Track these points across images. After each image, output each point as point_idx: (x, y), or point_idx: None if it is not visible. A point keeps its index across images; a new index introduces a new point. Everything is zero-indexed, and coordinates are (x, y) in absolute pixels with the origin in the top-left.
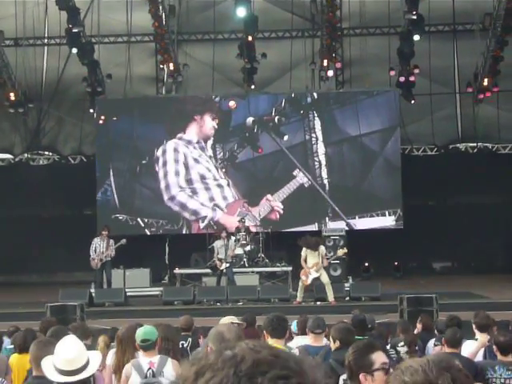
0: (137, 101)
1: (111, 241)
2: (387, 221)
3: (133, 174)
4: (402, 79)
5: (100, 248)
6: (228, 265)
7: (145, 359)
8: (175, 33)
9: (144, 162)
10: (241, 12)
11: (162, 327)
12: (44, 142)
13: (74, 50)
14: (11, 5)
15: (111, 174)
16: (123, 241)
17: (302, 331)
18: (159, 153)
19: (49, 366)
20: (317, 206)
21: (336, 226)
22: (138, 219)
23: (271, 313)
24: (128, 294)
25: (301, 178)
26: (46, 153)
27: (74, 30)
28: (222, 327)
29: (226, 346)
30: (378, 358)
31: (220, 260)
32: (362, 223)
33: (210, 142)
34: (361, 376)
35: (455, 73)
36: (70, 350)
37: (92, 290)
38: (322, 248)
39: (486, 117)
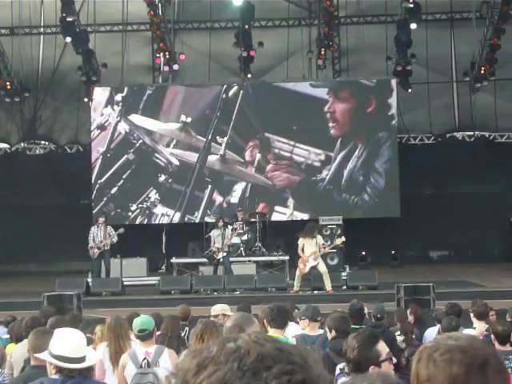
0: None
1: (109, 228)
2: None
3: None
4: (399, 68)
5: (98, 237)
6: (225, 254)
7: (141, 349)
8: (171, 21)
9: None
10: (237, 1)
11: (167, 318)
12: (40, 132)
13: (68, 39)
14: None
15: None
16: (121, 230)
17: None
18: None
19: (51, 354)
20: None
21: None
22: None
23: (272, 302)
24: (125, 283)
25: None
26: (43, 142)
27: (68, 19)
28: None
29: (229, 338)
30: (383, 348)
31: (217, 249)
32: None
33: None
34: (370, 369)
35: (452, 61)
36: (74, 338)
37: (89, 280)
38: (320, 237)
39: (483, 105)
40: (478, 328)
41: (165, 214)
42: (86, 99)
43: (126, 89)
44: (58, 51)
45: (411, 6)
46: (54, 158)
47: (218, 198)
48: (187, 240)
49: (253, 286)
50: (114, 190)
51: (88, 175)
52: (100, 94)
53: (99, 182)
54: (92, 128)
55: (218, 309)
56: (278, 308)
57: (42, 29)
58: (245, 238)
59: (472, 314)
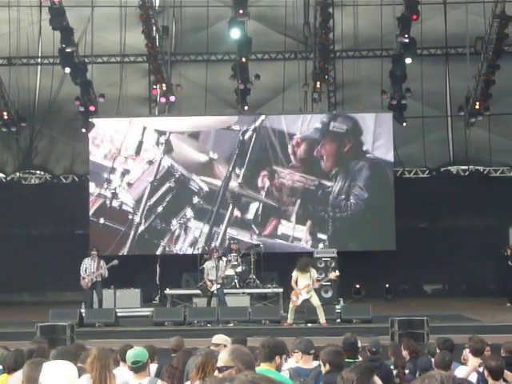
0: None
1: (102, 261)
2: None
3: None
4: (393, 102)
5: (90, 268)
6: (219, 286)
7: (134, 381)
8: (168, 53)
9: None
10: (235, 33)
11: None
12: (36, 161)
13: (67, 70)
14: (5, 24)
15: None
16: (115, 261)
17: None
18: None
19: None
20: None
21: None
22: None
23: (266, 336)
24: (118, 314)
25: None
26: (38, 172)
27: (67, 50)
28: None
29: (225, 377)
30: (377, 381)
31: (211, 281)
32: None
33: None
34: None
35: (447, 96)
36: (66, 369)
37: (82, 310)
38: (314, 271)
39: (477, 140)
40: (472, 363)
41: (197, 227)
42: (83, 130)
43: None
44: (55, 81)
45: (406, 40)
46: (50, 188)
47: (237, 213)
48: (181, 271)
49: (247, 318)
50: (159, 209)
51: (83, 205)
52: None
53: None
54: (91, 158)
55: (221, 338)
56: (268, 343)
57: (39, 59)
58: (239, 269)
59: (468, 350)
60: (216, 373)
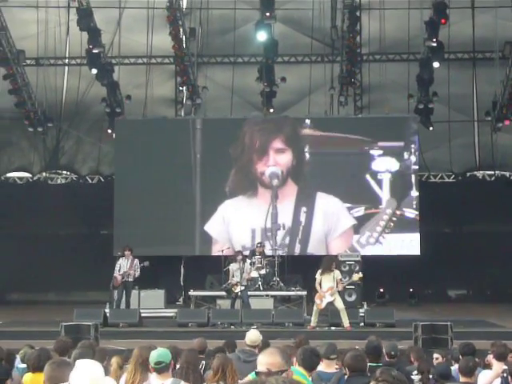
0: (155, 122)
1: (136, 260)
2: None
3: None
4: (420, 106)
5: (124, 267)
6: (243, 288)
7: (157, 382)
8: (195, 55)
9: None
10: (261, 36)
11: (186, 352)
12: (62, 162)
13: (94, 71)
14: (33, 24)
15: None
16: (146, 263)
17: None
18: None
19: None
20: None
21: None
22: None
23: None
24: (142, 314)
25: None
26: (64, 172)
27: (94, 51)
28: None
29: (257, 381)
30: None
31: (235, 283)
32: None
33: None
34: None
35: (474, 101)
36: (93, 369)
37: (107, 310)
38: (337, 272)
39: (504, 145)
40: (495, 369)
41: None
42: (109, 130)
43: None
44: (82, 82)
45: (434, 44)
46: (76, 189)
47: None
48: (205, 273)
49: (270, 320)
50: None
51: (108, 206)
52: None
53: None
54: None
55: (257, 336)
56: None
57: (66, 60)
58: (263, 272)
59: (492, 355)
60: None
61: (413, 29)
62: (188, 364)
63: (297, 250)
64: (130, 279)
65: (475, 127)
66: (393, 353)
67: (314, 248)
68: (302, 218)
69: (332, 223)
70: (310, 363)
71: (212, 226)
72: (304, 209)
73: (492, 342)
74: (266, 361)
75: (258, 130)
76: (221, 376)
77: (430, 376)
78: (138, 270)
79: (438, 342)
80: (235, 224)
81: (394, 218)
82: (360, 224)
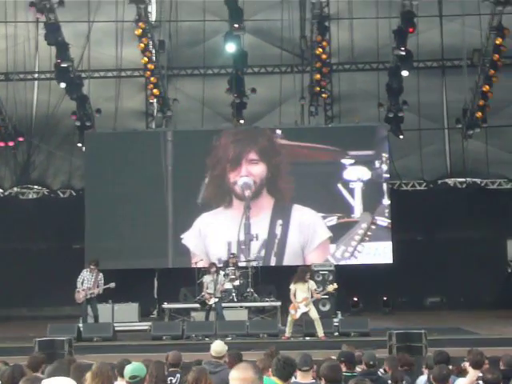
0: (126, 135)
1: (100, 275)
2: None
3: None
4: (390, 114)
5: (87, 282)
6: (217, 300)
7: None
8: (165, 67)
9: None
10: (230, 48)
11: (152, 364)
12: (33, 176)
13: (63, 85)
14: (2, 39)
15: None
16: (112, 284)
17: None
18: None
19: None
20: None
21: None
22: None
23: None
24: (116, 328)
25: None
26: (36, 187)
27: (62, 65)
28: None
29: None
30: None
31: (209, 295)
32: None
33: None
34: None
35: (444, 108)
36: (66, 382)
37: (80, 325)
38: (312, 283)
39: (474, 152)
40: (471, 376)
41: None
42: (79, 144)
43: None
44: (52, 96)
45: (403, 53)
46: (47, 203)
47: None
48: (179, 285)
49: (245, 331)
50: None
51: (80, 220)
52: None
53: None
54: None
55: (221, 346)
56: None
57: (36, 74)
58: (237, 283)
59: (468, 363)
60: None
61: (382, 38)
62: (156, 378)
63: (272, 263)
64: (93, 296)
65: (446, 135)
66: (371, 362)
67: (290, 260)
68: (278, 230)
69: (308, 235)
70: (284, 373)
71: (189, 239)
72: (280, 221)
73: (469, 350)
74: (238, 376)
75: (234, 141)
76: None
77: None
78: (102, 287)
79: (412, 350)
80: (211, 237)
81: (369, 233)
82: (334, 234)
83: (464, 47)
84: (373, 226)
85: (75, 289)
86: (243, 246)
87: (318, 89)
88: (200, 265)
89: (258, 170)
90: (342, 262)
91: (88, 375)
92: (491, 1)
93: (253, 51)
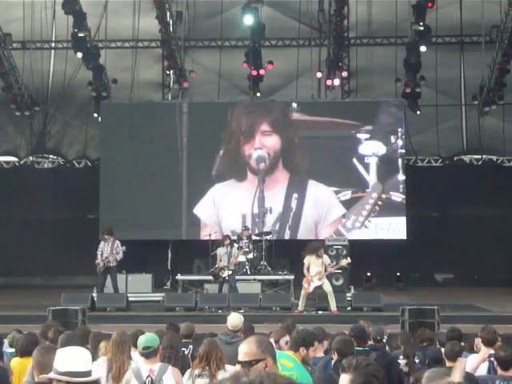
0: (142, 106)
1: (116, 242)
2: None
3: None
4: (407, 90)
5: (106, 252)
6: (230, 272)
7: (145, 366)
8: (182, 39)
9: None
10: (248, 20)
11: (166, 335)
12: (49, 146)
13: (80, 55)
14: (19, 8)
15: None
16: (122, 248)
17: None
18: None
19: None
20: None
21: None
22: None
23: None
24: (130, 299)
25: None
26: (51, 156)
27: (79, 35)
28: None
29: (241, 372)
30: None
31: (223, 267)
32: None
33: None
34: None
35: (461, 85)
36: (79, 353)
37: (94, 295)
38: (326, 257)
39: (491, 129)
40: (482, 353)
41: None
42: (95, 114)
43: None
44: (68, 66)
45: (421, 28)
46: (62, 173)
47: None
48: (193, 257)
49: (257, 304)
50: None
51: (95, 190)
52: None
53: None
54: None
55: (238, 318)
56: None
57: (53, 43)
58: (250, 256)
59: (480, 340)
60: (238, 367)
61: (400, 12)
62: (170, 348)
63: (286, 236)
64: (111, 264)
65: (463, 111)
66: (379, 337)
67: (304, 234)
68: (293, 204)
69: (322, 212)
70: (294, 345)
71: (202, 210)
72: (295, 195)
73: (482, 327)
74: (242, 350)
75: (246, 113)
76: (206, 362)
77: (417, 360)
78: (121, 252)
79: (424, 326)
80: (225, 208)
81: (380, 203)
82: (347, 208)
83: (483, 23)
84: (384, 197)
85: (90, 260)
86: (257, 219)
87: (335, 63)
88: (214, 237)
89: (272, 141)
90: (354, 233)
91: (103, 344)
92: None
93: (270, 24)
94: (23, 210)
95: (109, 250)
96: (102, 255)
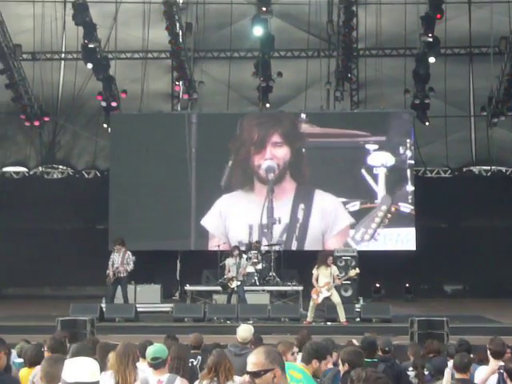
0: (151, 116)
1: (128, 253)
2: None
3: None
4: (416, 101)
5: (116, 263)
6: (239, 283)
7: (154, 377)
8: (191, 50)
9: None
10: (257, 31)
11: (174, 346)
12: (58, 156)
13: (90, 66)
14: (29, 19)
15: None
16: (133, 258)
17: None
18: None
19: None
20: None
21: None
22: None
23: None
24: (139, 309)
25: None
26: (61, 167)
27: (89, 46)
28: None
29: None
30: None
31: (231, 278)
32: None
33: None
34: None
35: (470, 96)
36: (88, 363)
37: (103, 305)
38: (335, 268)
39: (500, 140)
40: (491, 366)
41: None
42: (104, 125)
43: None
44: (78, 77)
45: (430, 40)
46: (72, 183)
47: None
48: (201, 268)
49: (266, 315)
50: None
51: (104, 201)
52: None
53: None
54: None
55: (248, 330)
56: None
57: (63, 54)
58: (259, 267)
59: (489, 352)
60: (247, 377)
61: (409, 24)
62: (178, 359)
63: (293, 247)
64: (122, 275)
65: (472, 122)
66: (387, 348)
67: (311, 245)
68: (300, 214)
69: (329, 222)
70: (307, 357)
71: (209, 221)
72: (302, 206)
73: (491, 339)
74: (250, 360)
75: (257, 124)
76: (215, 373)
77: (426, 372)
78: (131, 263)
79: (433, 338)
80: (232, 219)
81: (389, 215)
82: (355, 219)
83: (492, 34)
84: (393, 209)
85: (99, 270)
86: (266, 230)
87: (344, 74)
88: (222, 248)
89: (282, 152)
90: (363, 245)
91: (111, 355)
92: None
93: (280, 35)
94: (32, 220)
95: (119, 261)
96: (112, 265)
